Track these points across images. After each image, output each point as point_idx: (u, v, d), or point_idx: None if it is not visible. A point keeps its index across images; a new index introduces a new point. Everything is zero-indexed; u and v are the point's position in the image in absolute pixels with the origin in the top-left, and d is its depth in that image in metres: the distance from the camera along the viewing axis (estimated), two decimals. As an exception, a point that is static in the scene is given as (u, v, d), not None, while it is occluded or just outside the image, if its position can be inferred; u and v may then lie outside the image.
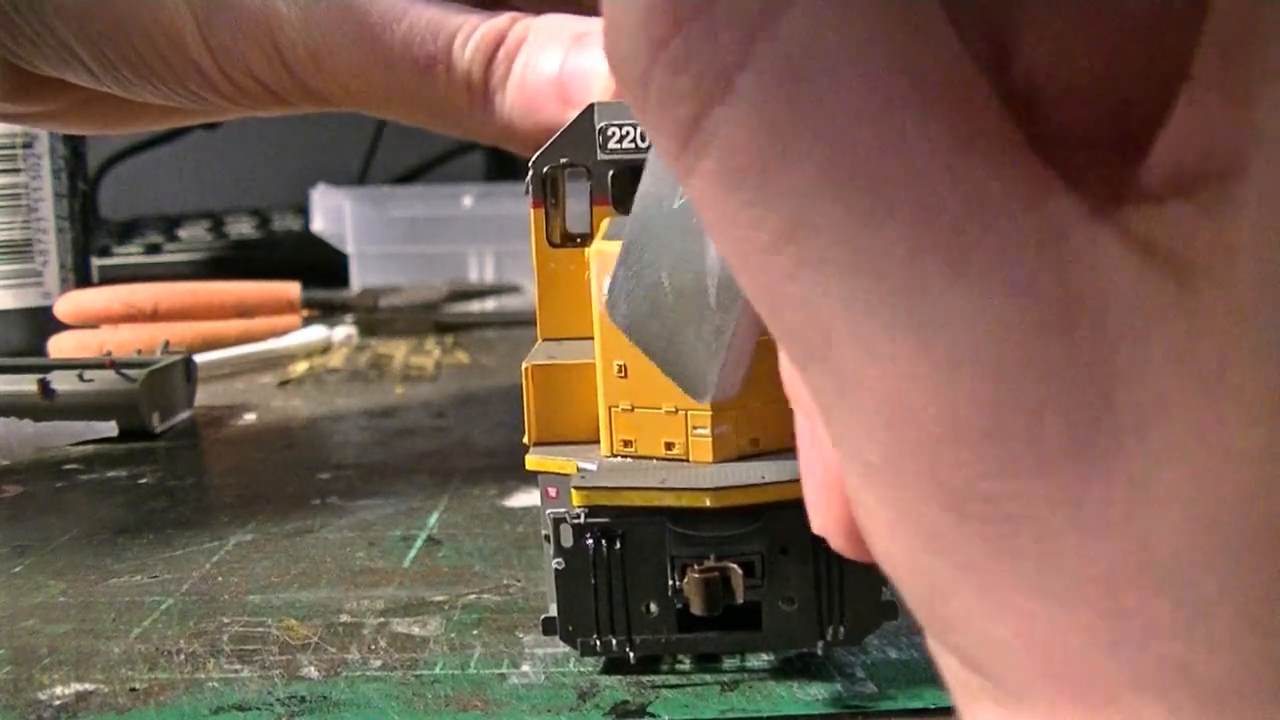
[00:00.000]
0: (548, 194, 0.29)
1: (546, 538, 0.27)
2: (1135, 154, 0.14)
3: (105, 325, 0.66)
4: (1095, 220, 0.13)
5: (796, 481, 0.25)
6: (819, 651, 0.26)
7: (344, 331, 0.74)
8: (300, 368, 0.67)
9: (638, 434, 0.27)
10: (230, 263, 0.94)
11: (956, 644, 0.14)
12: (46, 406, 0.50)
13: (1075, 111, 0.15)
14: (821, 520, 0.18)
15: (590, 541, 0.26)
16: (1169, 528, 0.13)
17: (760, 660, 0.28)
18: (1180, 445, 0.13)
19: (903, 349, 0.13)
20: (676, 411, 0.26)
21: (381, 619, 0.31)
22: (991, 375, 0.13)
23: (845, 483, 0.15)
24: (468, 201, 0.91)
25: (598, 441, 0.27)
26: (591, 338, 0.27)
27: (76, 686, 0.28)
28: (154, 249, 0.97)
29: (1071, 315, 0.13)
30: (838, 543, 0.18)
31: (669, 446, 0.26)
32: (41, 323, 0.65)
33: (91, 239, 0.74)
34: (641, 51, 0.14)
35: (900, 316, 0.13)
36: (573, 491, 0.26)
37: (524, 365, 0.28)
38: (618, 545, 0.26)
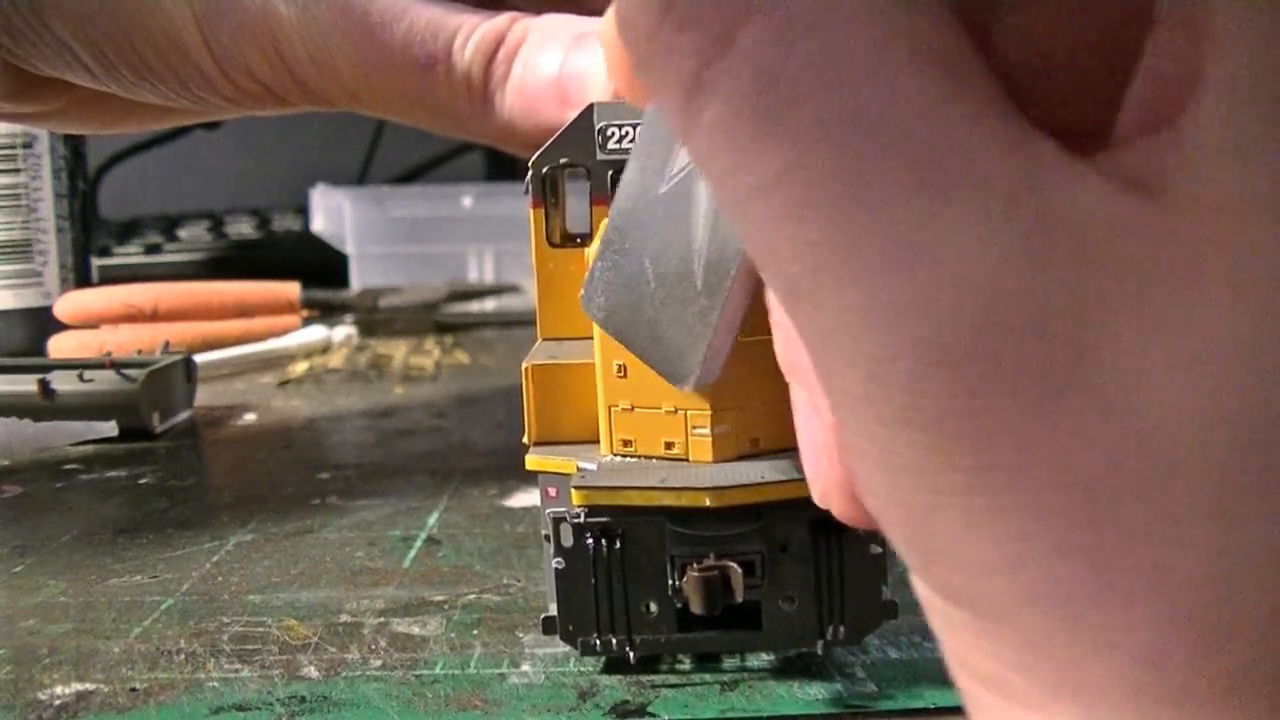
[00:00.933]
0: (547, 194, 0.29)
1: (546, 537, 0.27)
2: (1112, 112, 0.15)
3: (105, 325, 0.66)
4: (1073, 162, 0.14)
5: (796, 481, 0.25)
6: (819, 651, 0.26)
7: (344, 331, 0.74)
8: (300, 368, 0.67)
9: (637, 434, 0.27)
10: (230, 263, 0.94)
11: (939, 576, 0.15)
12: (46, 406, 0.50)
13: (1054, 79, 0.16)
14: (821, 487, 0.19)
15: (590, 541, 0.26)
16: (1143, 434, 0.13)
17: (760, 660, 0.28)
18: (1154, 354, 0.13)
19: (889, 279, 0.14)
20: (676, 411, 0.26)
21: (381, 619, 0.31)
22: (972, 299, 0.13)
23: (835, 424, 0.15)
24: (468, 201, 0.91)
25: (597, 441, 0.27)
26: (591, 338, 0.27)
27: (76, 686, 0.28)
28: (154, 249, 0.97)
29: (1047, 240, 0.13)
30: (837, 507, 0.18)
31: (669, 446, 0.26)
32: (41, 323, 0.65)
33: (91, 239, 0.74)
34: (651, 12, 0.15)
35: (887, 248, 0.14)
36: (572, 491, 0.26)
37: (524, 365, 0.28)
38: (618, 545, 0.26)
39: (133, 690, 0.27)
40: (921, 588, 0.16)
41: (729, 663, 0.28)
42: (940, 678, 0.27)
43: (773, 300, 0.19)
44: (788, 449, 0.26)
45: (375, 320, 0.79)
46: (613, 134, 0.29)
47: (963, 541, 0.14)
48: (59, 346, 0.64)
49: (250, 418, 0.56)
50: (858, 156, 0.14)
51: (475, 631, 0.30)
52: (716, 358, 0.20)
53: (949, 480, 0.14)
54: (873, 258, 0.14)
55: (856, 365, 0.14)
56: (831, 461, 0.18)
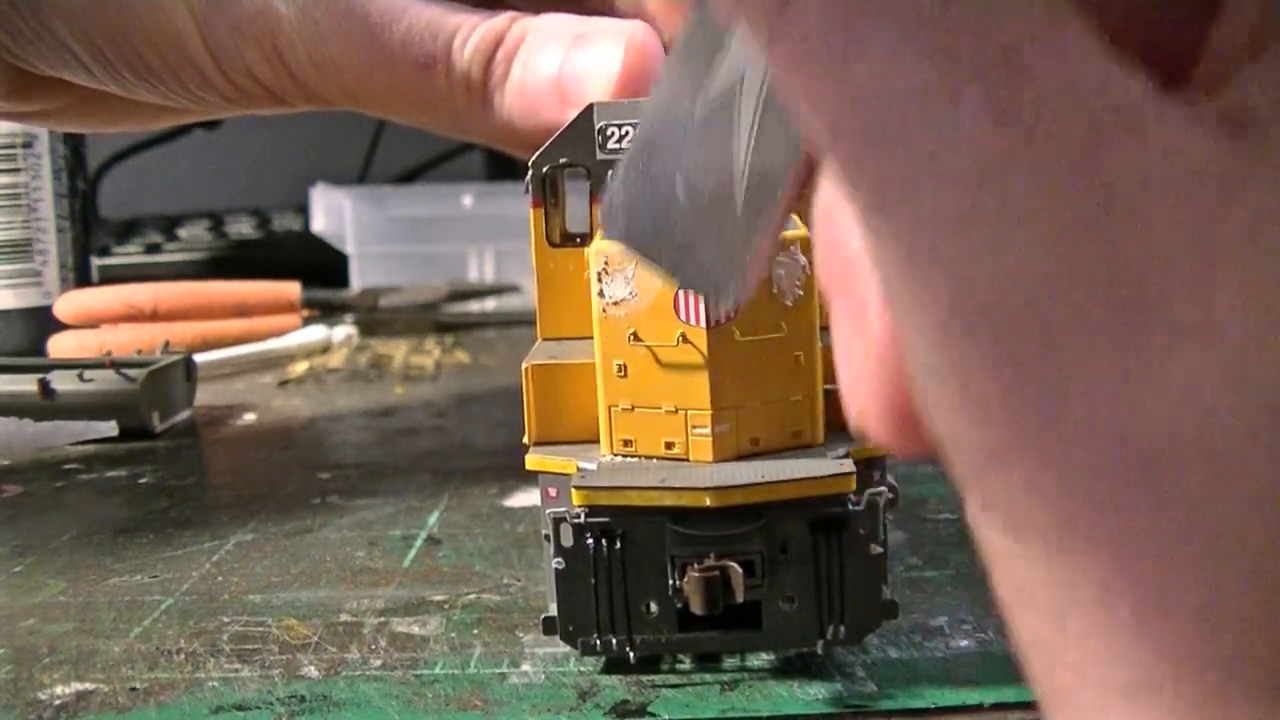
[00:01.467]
0: (547, 194, 0.29)
1: (546, 537, 0.27)
2: (1199, 42, 0.15)
3: (105, 325, 0.65)
4: (1160, 98, 0.14)
5: (796, 481, 0.25)
6: (819, 651, 0.26)
7: (344, 331, 0.74)
8: (300, 368, 0.67)
9: (637, 433, 0.27)
10: (230, 263, 0.94)
11: (1003, 513, 0.15)
12: (46, 406, 0.50)
13: (1140, 7, 0.16)
14: (860, 405, 0.19)
15: (590, 541, 0.26)
16: (1200, 397, 0.13)
17: (760, 660, 0.28)
18: (1220, 310, 0.13)
19: (965, 222, 0.14)
20: (676, 411, 0.26)
21: (381, 618, 0.31)
22: (1042, 251, 0.13)
23: (906, 351, 0.15)
24: (468, 201, 0.91)
25: (597, 441, 0.27)
26: (591, 337, 0.27)
27: (77, 686, 0.28)
28: (154, 249, 0.97)
29: (1132, 182, 0.13)
30: (878, 428, 0.18)
31: (669, 446, 0.26)
32: (41, 322, 0.65)
33: (91, 239, 0.74)
34: None
35: (971, 169, 0.14)
36: (573, 491, 0.26)
37: (524, 365, 0.28)
38: (618, 545, 0.26)
39: (133, 690, 0.27)
40: (978, 518, 0.16)
41: (729, 663, 0.28)
42: (940, 677, 0.27)
43: (818, 214, 0.19)
44: (788, 449, 0.27)
45: (375, 320, 0.79)
46: (613, 134, 0.29)
47: (1030, 486, 0.14)
48: (59, 346, 0.64)
49: (250, 417, 0.56)
50: (941, 85, 0.14)
51: (475, 631, 0.30)
52: (756, 274, 0.20)
53: (1022, 428, 0.14)
54: (953, 195, 0.14)
55: (934, 304, 0.14)
56: (874, 381, 0.18)
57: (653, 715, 0.26)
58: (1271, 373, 0.13)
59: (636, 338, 0.26)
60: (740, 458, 0.26)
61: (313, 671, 0.28)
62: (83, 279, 0.68)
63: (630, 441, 0.27)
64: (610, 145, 0.29)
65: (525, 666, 0.28)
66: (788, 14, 0.15)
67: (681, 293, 0.25)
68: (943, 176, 0.14)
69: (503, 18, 0.34)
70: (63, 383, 0.50)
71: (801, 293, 0.26)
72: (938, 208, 0.14)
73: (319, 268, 0.88)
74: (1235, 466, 0.13)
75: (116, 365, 0.51)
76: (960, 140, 0.14)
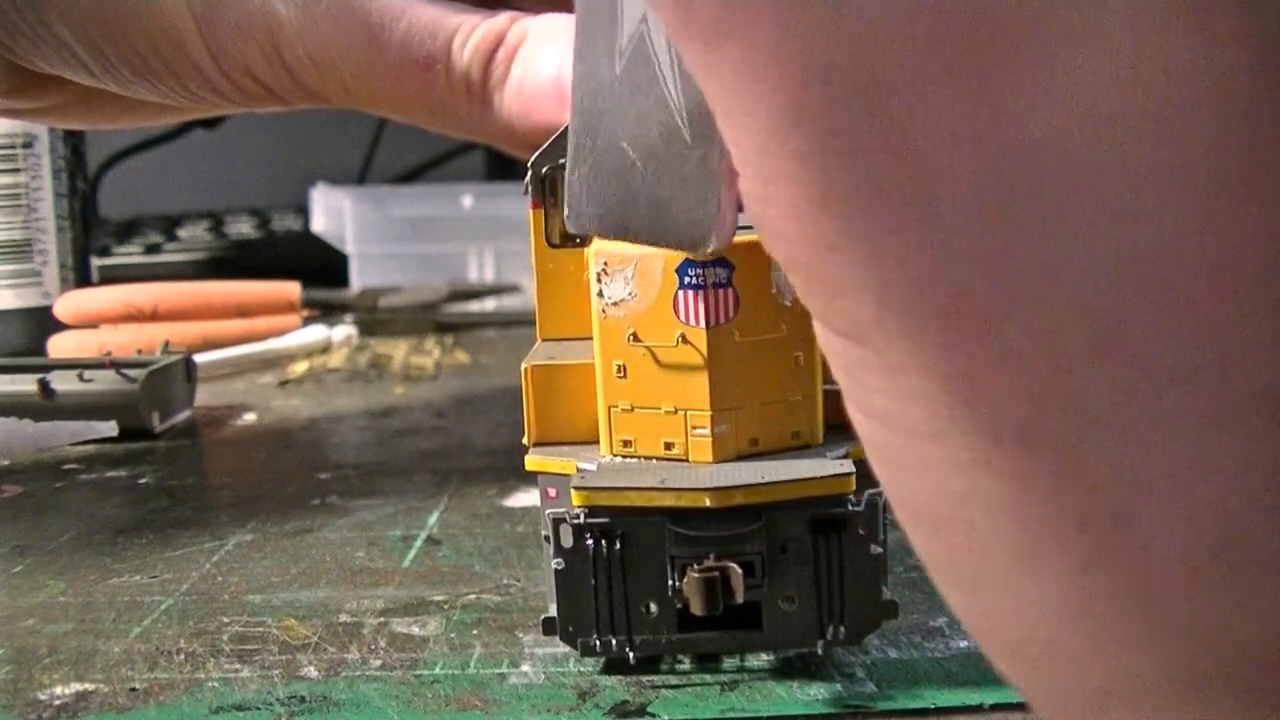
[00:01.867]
0: (547, 194, 0.29)
1: (546, 538, 0.27)
2: None
3: (105, 325, 0.65)
4: None
5: (796, 481, 0.25)
6: (819, 651, 0.26)
7: (344, 331, 0.74)
8: (300, 368, 0.67)
9: (637, 434, 0.26)
10: (230, 263, 0.94)
11: (841, 311, 0.15)
12: (46, 406, 0.50)
13: None
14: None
15: (590, 542, 0.26)
16: (1090, 99, 0.13)
17: (760, 660, 0.28)
18: (1110, 10, 0.13)
19: (802, 6, 0.14)
20: (676, 411, 0.26)
21: (381, 619, 0.31)
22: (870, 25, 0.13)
23: (738, 146, 0.15)
24: (468, 201, 0.91)
25: (597, 441, 0.27)
26: (591, 338, 0.27)
27: (76, 686, 0.28)
28: (154, 249, 0.97)
29: None
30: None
31: (668, 446, 0.26)
32: (41, 323, 0.65)
33: (91, 239, 0.74)
34: None
35: None
36: (572, 492, 0.26)
37: (523, 365, 0.28)
38: (617, 545, 0.26)
39: (132, 690, 0.27)
40: (824, 334, 0.16)
41: (729, 663, 0.28)
42: (940, 678, 0.27)
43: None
44: (787, 449, 0.26)
45: (375, 320, 0.79)
46: (612, 134, 0.29)
47: (864, 271, 0.14)
48: (59, 346, 0.64)
49: (250, 418, 0.56)
50: None
51: (475, 631, 0.30)
52: (730, 208, 0.20)
53: (858, 202, 0.14)
54: None
55: (770, 97, 0.14)
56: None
57: (652, 715, 0.26)
58: (1158, 70, 0.13)
59: (636, 338, 0.26)
60: (740, 458, 0.26)
61: (313, 672, 0.28)
62: (83, 279, 0.68)
63: (630, 442, 0.27)
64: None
65: (525, 667, 0.28)
66: None
67: (681, 293, 0.25)
68: None
69: (503, 17, 0.34)
70: (63, 383, 0.50)
71: (801, 293, 0.26)
72: (773, 25, 0.14)
73: (319, 268, 0.88)
74: (1068, 202, 0.13)
75: (116, 365, 0.51)
76: None
